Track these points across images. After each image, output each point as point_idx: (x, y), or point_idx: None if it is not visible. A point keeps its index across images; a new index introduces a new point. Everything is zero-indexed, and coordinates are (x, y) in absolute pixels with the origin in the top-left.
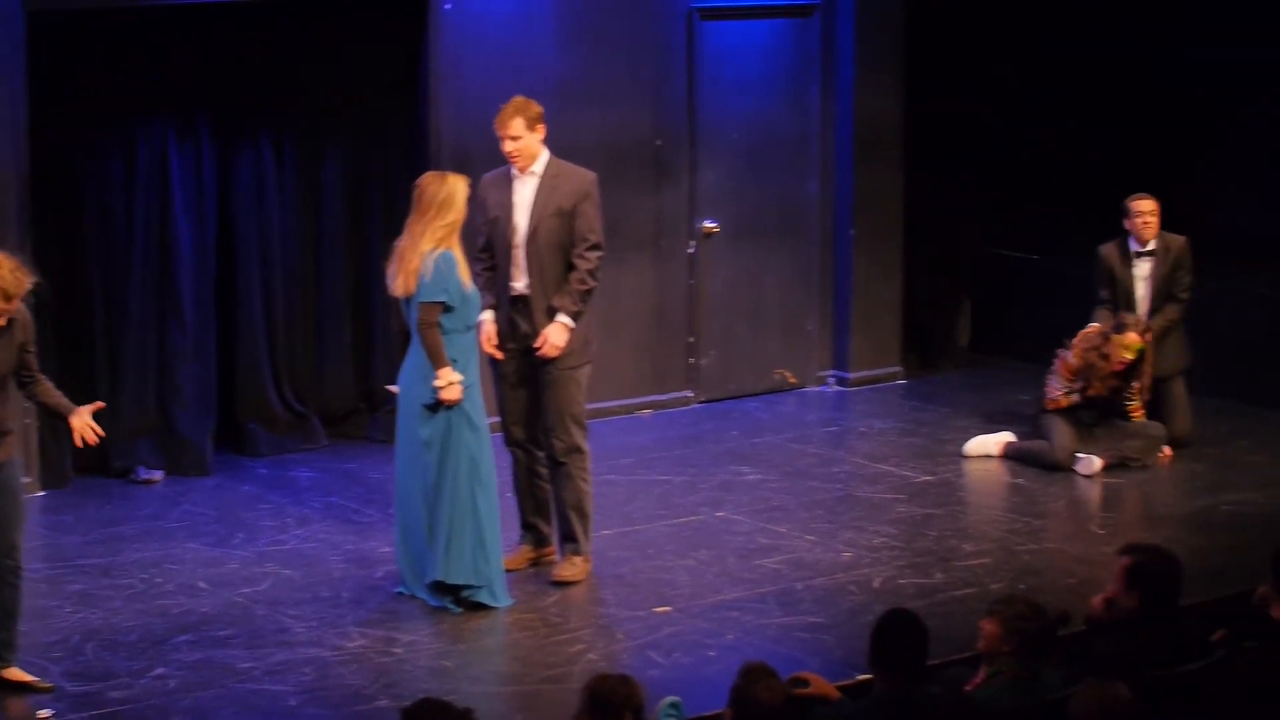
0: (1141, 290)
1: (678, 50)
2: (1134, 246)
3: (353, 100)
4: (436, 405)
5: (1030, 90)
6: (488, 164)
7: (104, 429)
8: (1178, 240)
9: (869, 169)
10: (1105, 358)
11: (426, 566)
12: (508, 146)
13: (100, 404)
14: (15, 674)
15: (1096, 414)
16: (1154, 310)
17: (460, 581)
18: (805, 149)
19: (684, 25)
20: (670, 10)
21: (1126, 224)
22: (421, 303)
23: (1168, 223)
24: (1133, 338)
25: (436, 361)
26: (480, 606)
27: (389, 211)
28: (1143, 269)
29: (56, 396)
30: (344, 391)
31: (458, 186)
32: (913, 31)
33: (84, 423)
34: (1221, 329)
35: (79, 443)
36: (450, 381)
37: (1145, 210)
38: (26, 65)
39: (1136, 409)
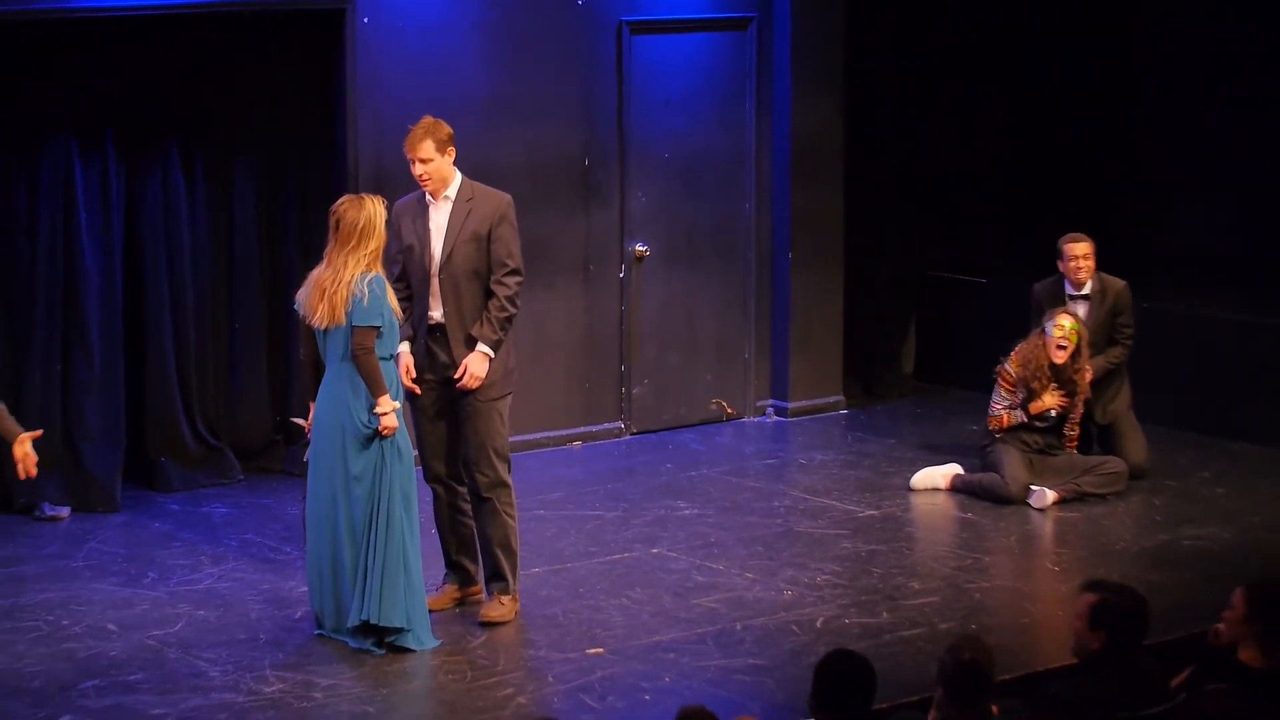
0: None
1: (607, 65)
2: (1069, 289)
3: (266, 117)
4: (373, 435)
5: (976, 110)
6: (407, 184)
7: (8, 463)
8: (1117, 284)
9: (807, 189)
10: (1042, 347)
11: (352, 607)
12: (418, 170)
13: (38, 432)
14: None
15: (1040, 437)
16: (1092, 354)
17: (396, 624)
18: (740, 168)
19: (613, 39)
20: (599, 23)
21: (1060, 266)
22: (358, 327)
23: (1121, 246)
24: (1065, 316)
25: (375, 389)
26: (404, 649)
27: (304, 233)
28: (1078, 313)
29: (6, 421)
30: (259, 423)
31: (376, 210)
32: (853, 46)
33: (25, 451)
34: (1182, 357)
35: (21, 475)
36: (392, 409)
37: (1079, 254)
38: None
39: (1073, 441)
